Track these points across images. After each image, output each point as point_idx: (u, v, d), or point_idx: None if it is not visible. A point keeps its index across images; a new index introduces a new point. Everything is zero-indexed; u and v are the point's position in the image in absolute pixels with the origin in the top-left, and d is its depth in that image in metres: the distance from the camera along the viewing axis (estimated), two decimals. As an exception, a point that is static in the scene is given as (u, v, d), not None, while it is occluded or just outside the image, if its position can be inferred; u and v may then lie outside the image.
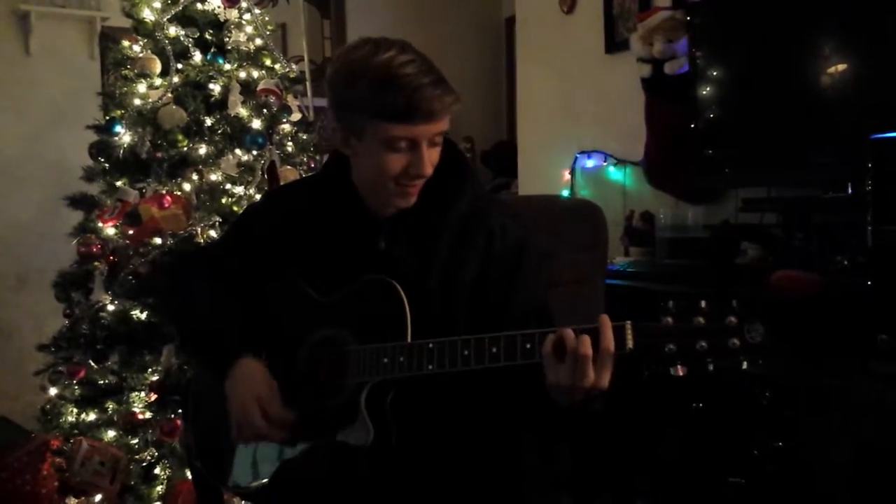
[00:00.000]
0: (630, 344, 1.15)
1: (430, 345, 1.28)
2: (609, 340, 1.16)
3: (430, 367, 1.28)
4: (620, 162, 3.37)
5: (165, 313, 2.37)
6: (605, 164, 3.45)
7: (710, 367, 1.13)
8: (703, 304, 1.14)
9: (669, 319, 1.15)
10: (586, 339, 1.16)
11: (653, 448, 2.34)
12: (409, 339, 1.32)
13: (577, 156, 3.59)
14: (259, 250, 1.54)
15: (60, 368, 2.65)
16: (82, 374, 2.59)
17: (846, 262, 2.07)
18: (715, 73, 2.62)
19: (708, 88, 2.63)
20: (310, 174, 1.55)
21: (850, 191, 2.14)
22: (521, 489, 1.47)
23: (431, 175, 1.40)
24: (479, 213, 1.46)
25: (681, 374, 1.14)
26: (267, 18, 2.99)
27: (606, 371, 1.18)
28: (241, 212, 2.58)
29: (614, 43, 3.45)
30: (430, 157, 1.36)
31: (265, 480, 1.46)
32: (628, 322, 1.17)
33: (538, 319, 1.38)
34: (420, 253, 1.43)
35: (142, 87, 2.73)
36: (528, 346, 1.22)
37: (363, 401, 1.34)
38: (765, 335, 1.10)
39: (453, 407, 1.41)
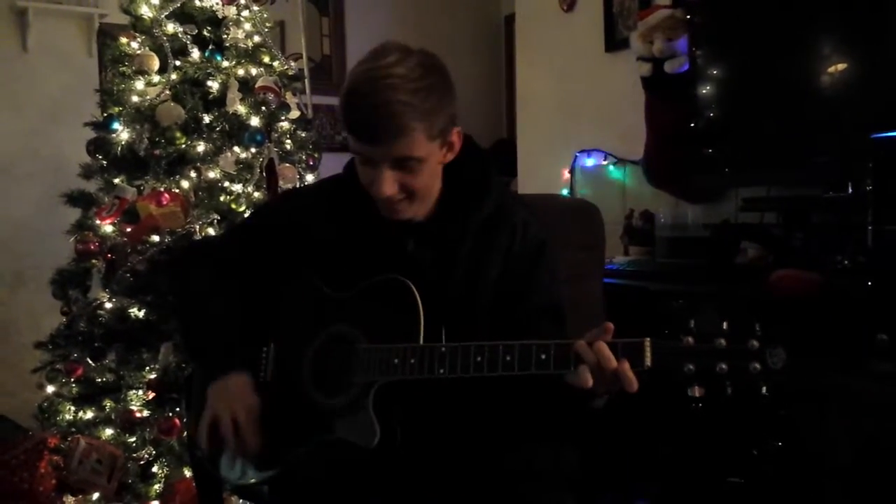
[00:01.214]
0: (648, 362, 1.14)
1: (443, 349, 1.27)
2: (609, 361, 1.15)
3: (442, 371, 1.26)
4: (620, 161, 3.37)
5: (173, 301, 2.36)
6: (604, 162, 3.45)
7: (729, 391, 1.12)
8: (724, 325, 1.12)
9: (689, 339, 1.13)
10: (608, 355, 1.16)
11: (653, 448, 2.34)
12: (421, 341, 1.31)
13: (577, 154, 3.59)
14: (275, 247, 1.54)
15: (58, 366, 2.64)
16: (80, 371, 2.58)
17: (846, 262, 2.06)
18: (715, 72, 2.62)
19: (708, 87, 2.62)
20: (331, 175, 1.56)
21: (850, 190, 2.13)
22: (526, 489, 1.46)
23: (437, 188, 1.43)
24: (501, 211, 1.47)
25: (698, 395, 1.12)
26: (265, 15, 2.97)
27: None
28: (239, 209, 2.58)
29: (614, 41, 3.45)
30: (402, 179, 1.34)
31: (266, 476, 1.46)
32: (647, 339, 1.15)
33: (552, 320, 1.39)
34: (446, 255, 1.43)
35: (140, 84, 2.71)
36: (543, 356, 1.20)
37: (371, 401, 1.33)
38: (786, 361, 1.08)
39: (461, 410, 1.41)
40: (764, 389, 1.10)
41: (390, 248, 1.45)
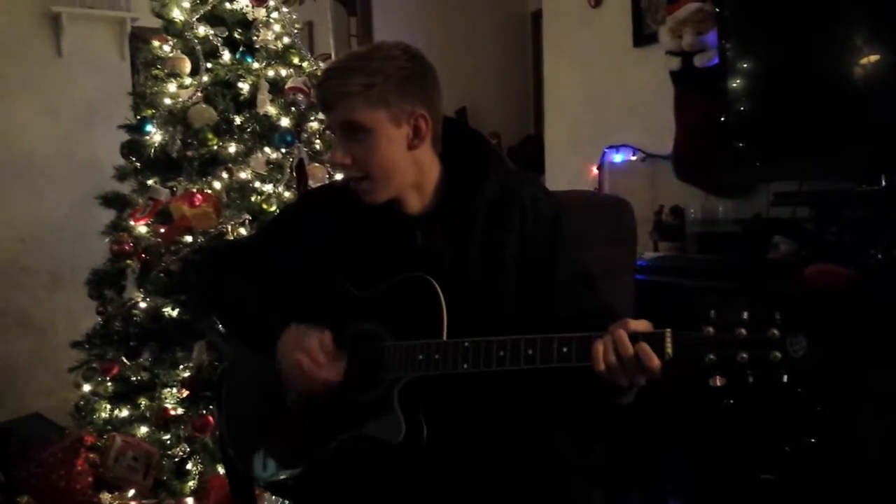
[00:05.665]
0: (669, 352, 1.15)
1: (466, 344, 1.28)
2: (627, 349, 1.16)
3: (465, 366, 1.28)
4: (649, 156, 3.34)
5: (203, 304, 2.39)
6: (633, 158, 3.43)
7: (750, 380, 1.12)
8: (745, 314, 1.12)
9: (710, 329, 1.13)
10: (626, 343, 1.17)
11: (685, 446, 2.32)
12: (444, 337, 1.32)
13: (606, 150, 3.57)
14: (298, 247, 1.56)
15: (94, 365, 2.69)
16: (115, 370, 2.62)
17: (880, 256, 2.03)
18: (745, 65, 2.59)
19: (738, 81, 2.59)
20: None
21: (883, 183, 2.10)
22: (553, 481, 1.46)
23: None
24: (510, 192, 1.47)
25: (719, 384, 1.12)
26: (294, 17, 3.01)
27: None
28: (270, 209, 2.60)
29: (642, 36, 3.42)
30: (352, 151, 1.40)
31: (295, 472, 1.47)
32: (668, 330, 1.16)
33: (586, 287, 1.42)
34: (457, 245, 1.44)
35: (172, 87, 2.75)
36: (565, 349, 1.21)
37: (396, 396, 1.35)
38: (807, 349, 1.08)
39: (487, 405, 1.42)
40: (785, 378, 1.10)
41: (398, 244, 1.46)
